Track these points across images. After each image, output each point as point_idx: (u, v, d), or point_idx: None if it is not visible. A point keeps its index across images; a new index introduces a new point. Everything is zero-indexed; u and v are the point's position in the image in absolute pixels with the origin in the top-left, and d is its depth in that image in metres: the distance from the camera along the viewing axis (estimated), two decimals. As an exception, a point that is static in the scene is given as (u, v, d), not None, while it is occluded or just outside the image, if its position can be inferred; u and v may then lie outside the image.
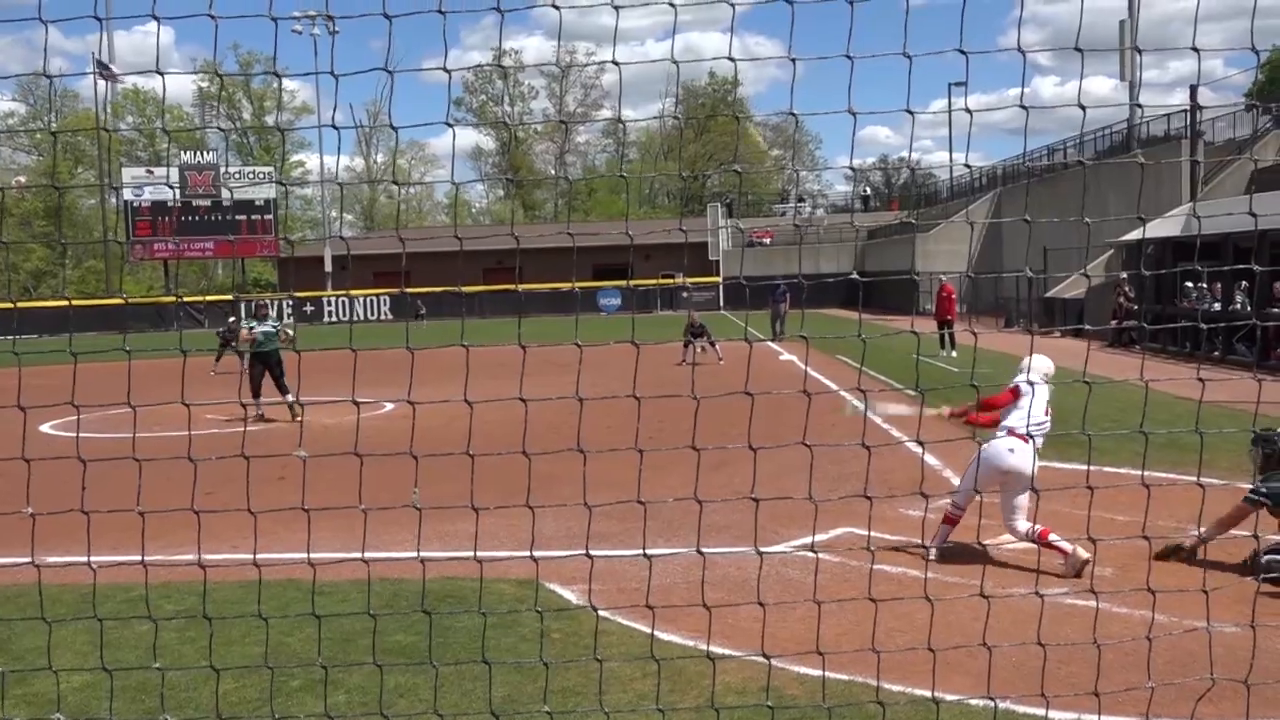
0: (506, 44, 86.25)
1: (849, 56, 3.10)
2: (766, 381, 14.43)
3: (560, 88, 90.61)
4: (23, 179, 69.29)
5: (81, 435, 11.89)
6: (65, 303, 53.30)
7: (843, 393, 9.28)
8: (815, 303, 44.47)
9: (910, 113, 3.18)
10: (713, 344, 20.95)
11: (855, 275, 4.05)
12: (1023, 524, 6.02)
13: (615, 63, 3.24)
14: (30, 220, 67.36)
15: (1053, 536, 5.97)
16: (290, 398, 14.33)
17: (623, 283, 53.35)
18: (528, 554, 3.94)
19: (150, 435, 12.30)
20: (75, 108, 76.33)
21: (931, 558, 6.22)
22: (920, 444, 7.70)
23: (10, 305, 54.28)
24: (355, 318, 54.00)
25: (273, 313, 18.08)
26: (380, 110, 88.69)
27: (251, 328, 14.33)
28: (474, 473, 3.37)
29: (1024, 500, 6.02)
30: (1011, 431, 6.03)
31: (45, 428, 14.68)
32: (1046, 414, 6.13)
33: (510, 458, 3.24)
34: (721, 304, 51.66)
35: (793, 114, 3.40)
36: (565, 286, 51.19)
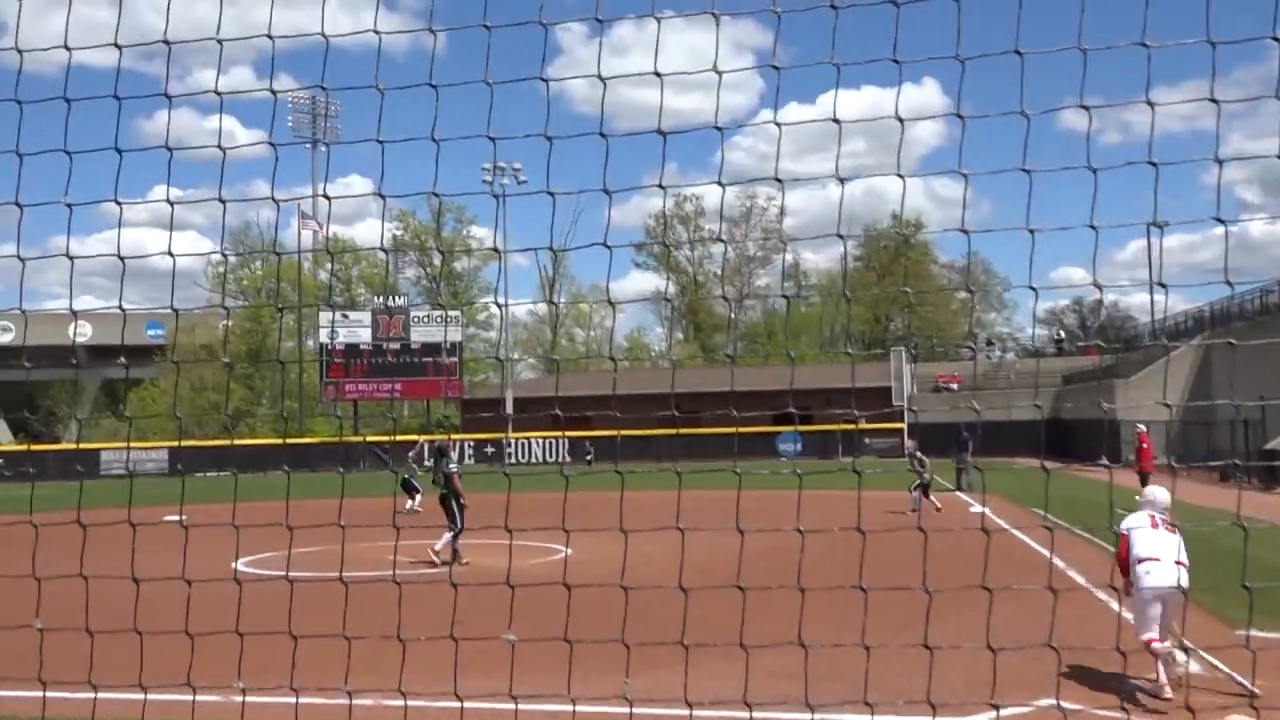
0: (688, 190, 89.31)
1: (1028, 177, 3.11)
2: (959, 535, 13.90)
3: (741, 230, 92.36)
4: (229, 323, 75.59)
5: (277, 573, 12.48)
6: (279, 440, 56.98)
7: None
8: (1005, 450, 42.82)
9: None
10: (927, 489, 21.04)
11: (1041, 414, 3.93)
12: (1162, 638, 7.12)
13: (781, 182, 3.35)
14: (234, 363, 73.11)
15: (1155, 646, 7.01)
16: (446, 540, 15.05)
17: (801, 427, 52.96)
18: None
19: (346, 575, 12.84)
20: (279, 257, 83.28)
21: (1168, 695, 6.81)
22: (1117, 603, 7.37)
23: (227, 441, 58.40)
24: (534, 459, 55.42)
25: (453, 454, 19.00)
26: (562, 259, 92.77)
27: (458, 471, 15.42)
28: (685, 622, 3.39)
29: (1170, 611, 7.05)
30: (1140, 560, 7.28)
31: (241, 565, 15.60)
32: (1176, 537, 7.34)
33: (677, 607, 3.25)
34: (906, 451, 50.36)
35: (972, 242, 3.41)
36: (742, 431, 51.17)
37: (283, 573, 3.59)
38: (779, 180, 3.14)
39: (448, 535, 15.21)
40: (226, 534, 3.77)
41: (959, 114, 3.00)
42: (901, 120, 3.05)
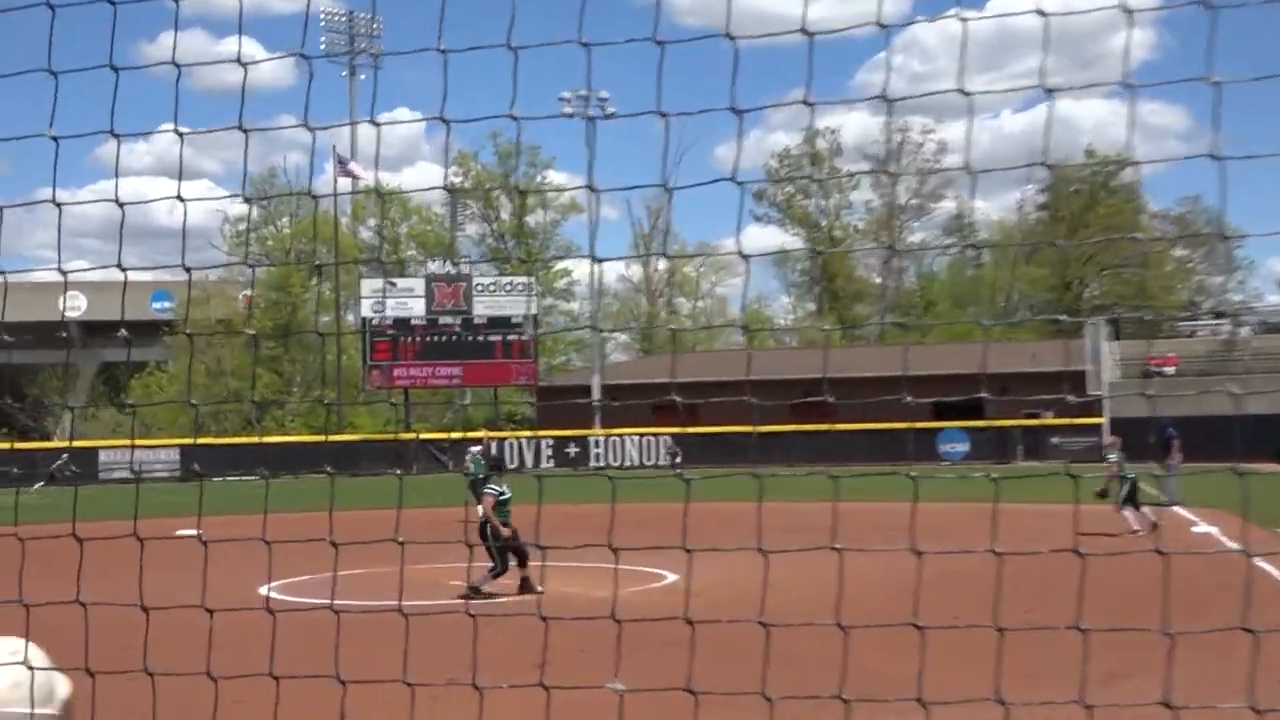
0: (821, 122, 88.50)
1: None
2: (1179, 561, 13.58)
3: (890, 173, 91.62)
4: (249, 292, 77.32)
5: (318, 601, 12.74)
6: (314, 437, 58.44)
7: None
8: (1226, 452, 41.44)
9: None
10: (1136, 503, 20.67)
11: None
12: None
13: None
14: (257, 342, 75.15)
15: None
16: (494, 573, 15.19)
17: (972, 423, 52.23)
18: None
19: (406, 604, 13.08)
20: (311, 209, 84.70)
21: None
22: None
23: (251, 439, 59.97)
24: (627, 460, 55.75)
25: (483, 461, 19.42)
26: (663, 210, 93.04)
27: (499, 494, 15.44)
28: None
29: None
30: None
31: (269, 590, 16.04)
32: None
33: (824, 647, 3.13)
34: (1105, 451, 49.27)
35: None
36: (897, 427, 50.69)
37: (324, 600, 3.56)
38: (963, 94, 2.98)
39: (487, 570, 15.31)
40: (253, 552, 3.77)
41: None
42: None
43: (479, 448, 29.46)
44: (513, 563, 15.67)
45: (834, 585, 3.78)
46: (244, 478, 48.03)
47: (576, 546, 4.15)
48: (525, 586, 15.62)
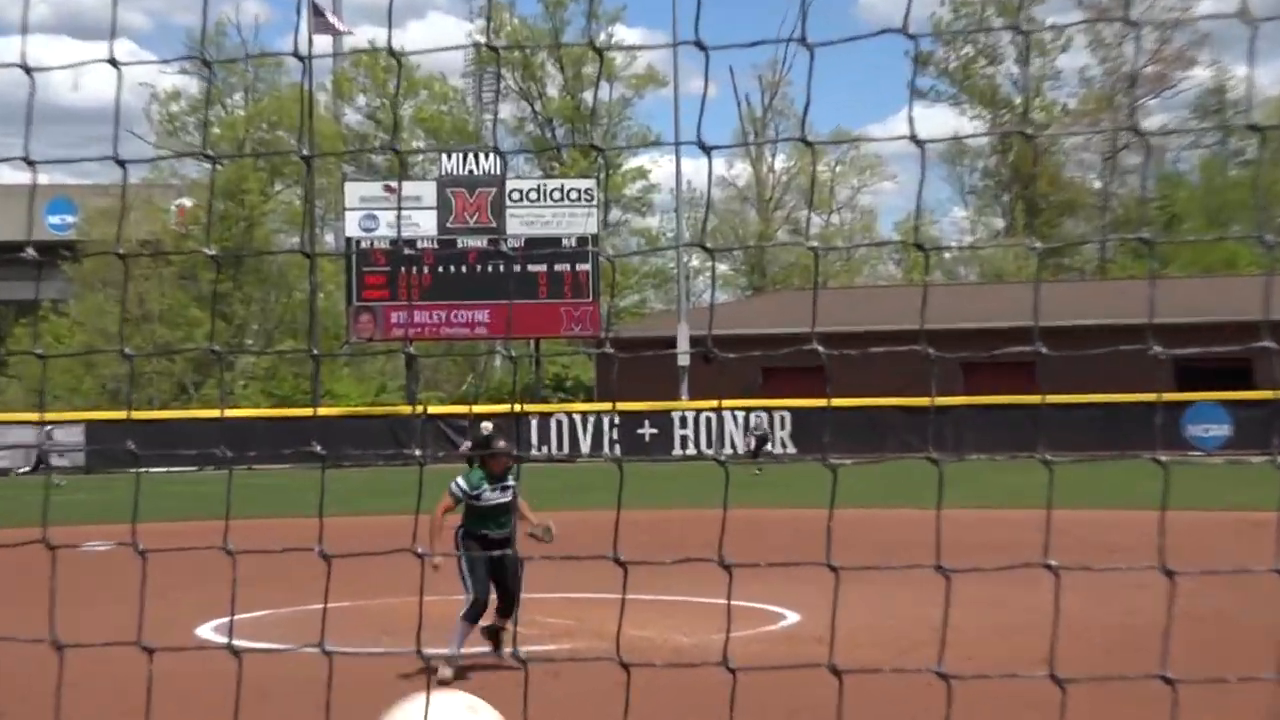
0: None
1: None
2: None
3: None
4: (186, 202, 78.06)
5: (305, 648, 12.90)
6: (278, 409, 59.22)
7: None
8: None
9: None
10: None
11: None
12: None
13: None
14: (195, 274, 75.80)
15: None
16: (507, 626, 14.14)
17: (1229, 395, 51.59)
18: None
19: (391, 651, 13.20)
20: (276, 83, 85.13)
21: None
22: None
23: (189, 412, 60.97)
24: (728, 449, 55.85)
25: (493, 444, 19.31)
26: (782, 80, 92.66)
27: (475, 492, 14.22)
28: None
29: None
30: None
31: (206, 630, 16.53)
32: None
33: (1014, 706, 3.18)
34: None
35: None
36: (1124, 400, 50.27)
37: (310, 643, 3.66)
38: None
39: (461, 619, 14.04)
40: (192, 577, 3.88)
41: None
42: None
43: (488, 424, 30.36)
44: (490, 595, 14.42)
45: (1027, 622, 3.81)
46: (179, 470, 48.64)
47: (676, 561, 4.16)
48: (493, 639, 14.56)
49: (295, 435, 52.53)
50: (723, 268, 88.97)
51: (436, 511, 14.33)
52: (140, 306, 71.19)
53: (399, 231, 60.24)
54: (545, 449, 56.13)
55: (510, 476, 14.83)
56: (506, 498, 14.60)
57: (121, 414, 55.83)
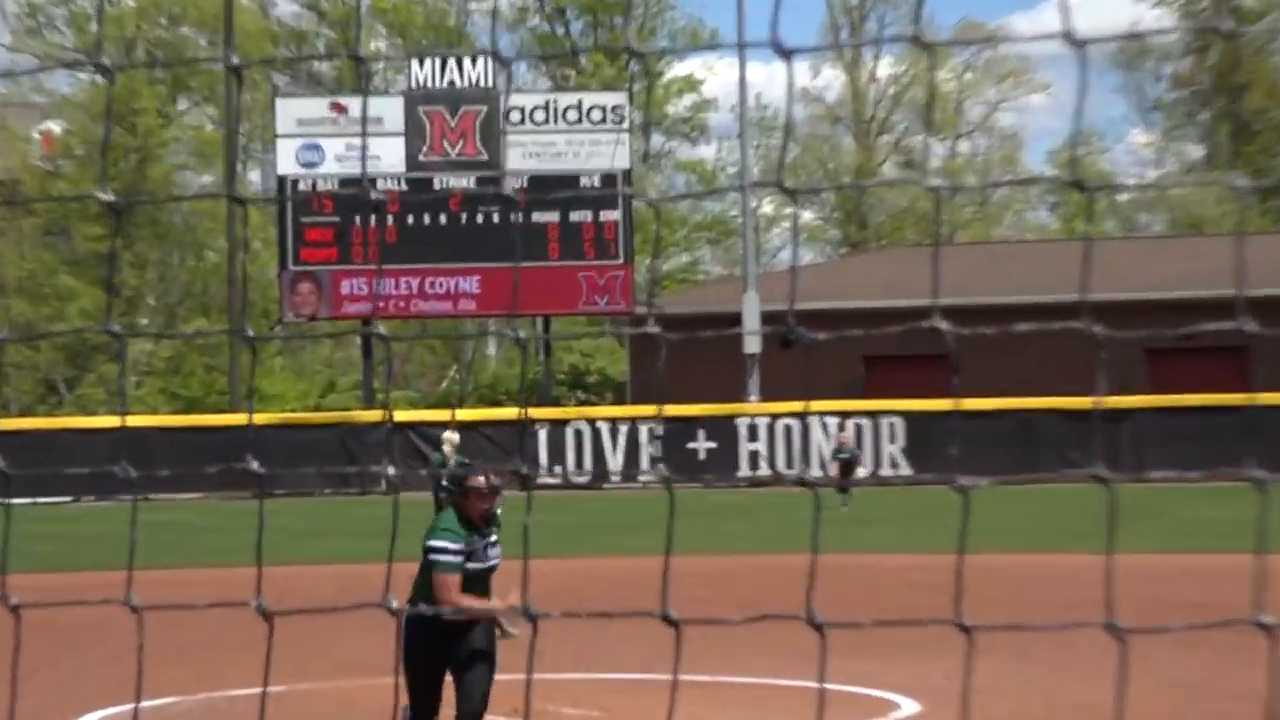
0: None
1: None
2: None
3: None
4: (53, 127, 78.22)
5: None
6: (195, 417, 59.42)
7: None
8: None
9: None
10: None
11: None
12: None
13: None
14: (66, 227, 76.07)
15: None
16: None
17: None
18: None
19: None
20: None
21: None
22: None
23: (59, 421, 61.22)
24: (815, 470, 55.88)
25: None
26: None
27: (453, 555, 14.06)
28: None
29: None
30: None
31: None
32: None
33: None
34: None
35: None
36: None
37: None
38: None
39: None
40: (86, 638, 4.00)
41: None
42: None
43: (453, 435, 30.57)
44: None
45: (1237, 713, 3.88)
46: (39, 500, 48.84)
47: (748, 619, 4.22)
48: None
49: (205, 451, 52.66)
50: (807, 215, 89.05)
51: (452, 596, 13.69)
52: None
53: (362, 167, 60.27)
54: (558, 470, 56.18)
55: (494, 524, 14.24)
56: (493, 559, 14.12)
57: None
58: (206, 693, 17.51)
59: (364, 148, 60.16)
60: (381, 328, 58.06)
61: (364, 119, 59.73)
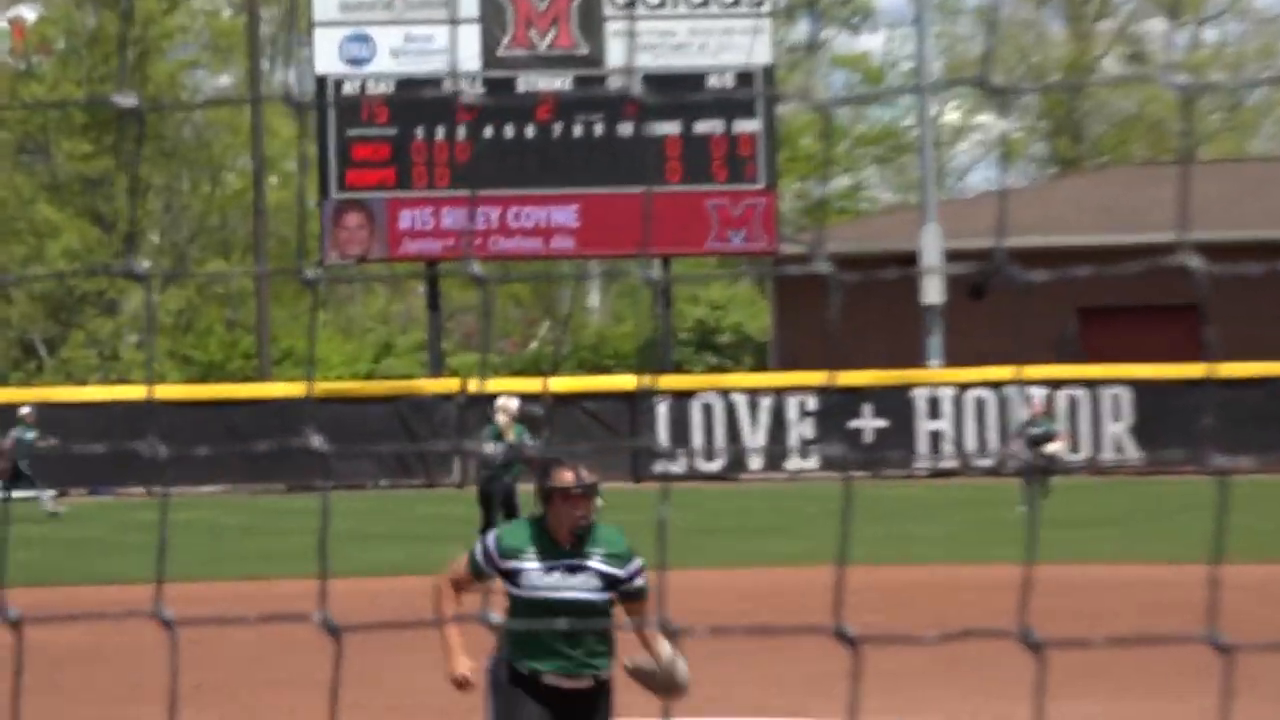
0: None
1: None
2: None
3: None
4: (26, 14, 78.93)
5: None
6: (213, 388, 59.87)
7: None
8: None
9: None
10: None
11: None
12: None
13: None
14: (45, 145, 76.61)
15: None
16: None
17: None
18: None
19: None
20: None
21: None
22: None
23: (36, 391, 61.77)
24: (1019, 455, 55.84)
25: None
26: None
27: (507, 563, 14.02)
28: None
29: None
30: None
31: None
32: None
33: None
34: None
35: None
36: None
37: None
38: None
39: None
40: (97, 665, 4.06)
41: None
42: None
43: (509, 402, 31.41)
44: None
45: None
46: (12, 495, 49.24)
47: (942, 638, 4.19)
48: None
49: (225, 429, 52.75)
50: (1005, 125, 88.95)
51: (442, 581, 13.52)
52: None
53: (445, 64, 60.43)
54: (682, 455, 56.20)
55: (597, 542, 13.15)
56: (587, 590, 13.17)
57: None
58: None
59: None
60: (478, 267, 57.56)
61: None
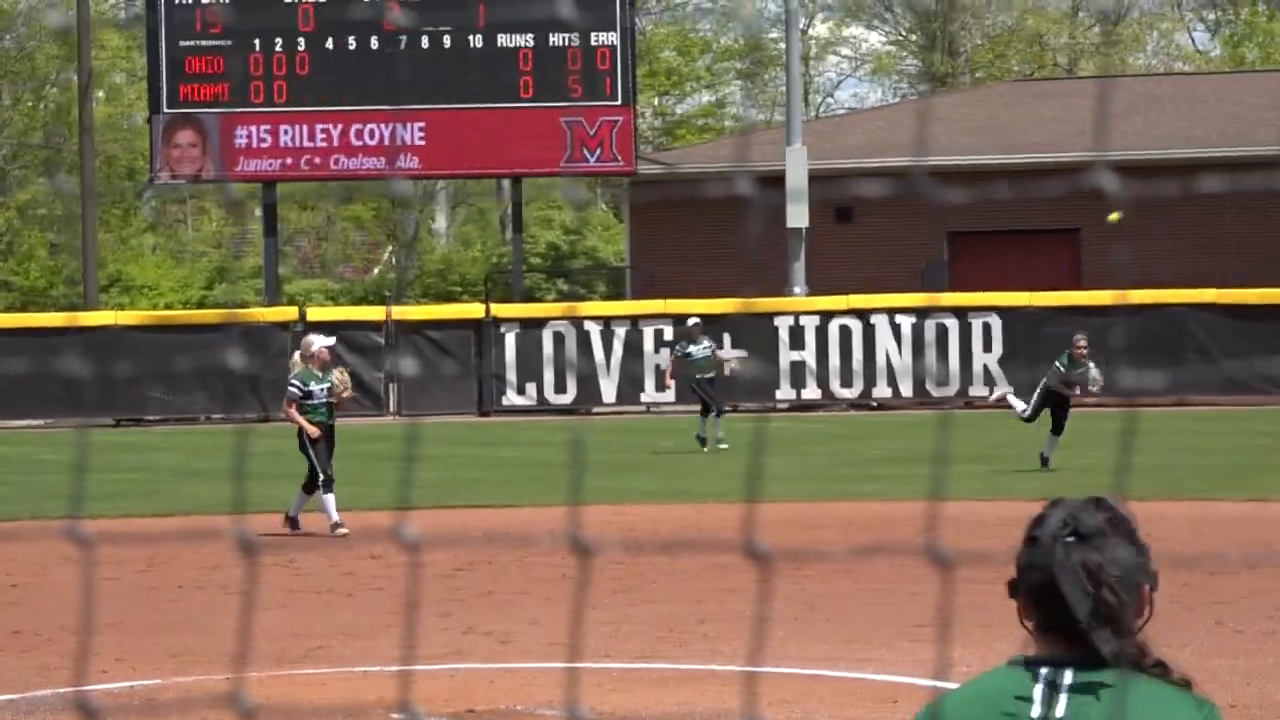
0: None
1: None
2: None
3: None
4: None
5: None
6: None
7: None
8: None
9: None
10: None
11: None
12: None
13: None
14: None
15: None
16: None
17: None
18: None
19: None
20: None
21: None
22: None
23: None
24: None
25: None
26: None
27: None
28: None
29: None
30: None
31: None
32: None
33: None
34: None
35: None
36: None
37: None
38: None
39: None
40: None
41: None
42: None
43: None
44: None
45: None
46: None
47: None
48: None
49: (46, 360, 52.29)
50: (875, 39, 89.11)
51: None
52: None
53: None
54: (529, 390, 56.18)
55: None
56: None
57: None
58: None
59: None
60: (261, 199, 57.91)
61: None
